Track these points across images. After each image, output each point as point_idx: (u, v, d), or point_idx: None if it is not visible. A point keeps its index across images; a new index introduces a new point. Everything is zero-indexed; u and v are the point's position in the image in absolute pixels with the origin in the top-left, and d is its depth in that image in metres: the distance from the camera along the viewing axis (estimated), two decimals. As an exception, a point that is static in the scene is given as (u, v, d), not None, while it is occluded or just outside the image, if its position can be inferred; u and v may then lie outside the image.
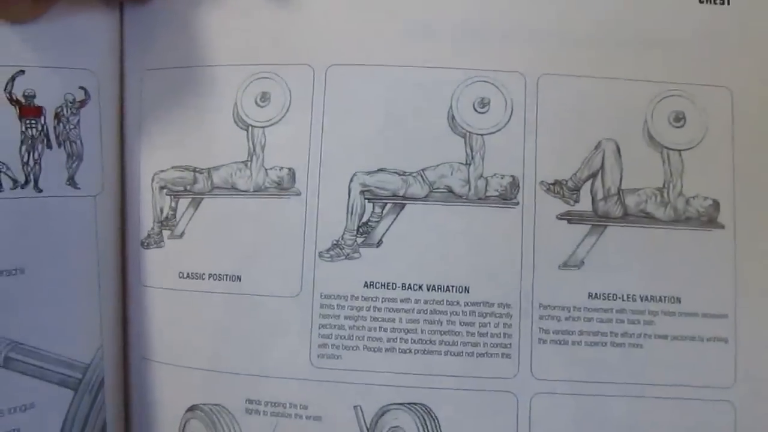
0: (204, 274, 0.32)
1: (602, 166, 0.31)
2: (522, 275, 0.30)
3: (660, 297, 0.30)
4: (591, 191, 0.31)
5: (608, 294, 0.30)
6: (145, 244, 0.33)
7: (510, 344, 0.30)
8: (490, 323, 0.30)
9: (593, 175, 0.31)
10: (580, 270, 0.30)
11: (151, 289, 0.33)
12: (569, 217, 0.31)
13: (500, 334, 0.30)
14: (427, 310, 0.31)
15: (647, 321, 0.30)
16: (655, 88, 0.31)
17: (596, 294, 0.30)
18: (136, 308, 0.33)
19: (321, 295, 0.31)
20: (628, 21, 0.31)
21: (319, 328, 0.31)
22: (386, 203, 0.31)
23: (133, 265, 0.34)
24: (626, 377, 0.30)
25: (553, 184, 0.31)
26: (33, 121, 0.32)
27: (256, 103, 0.32)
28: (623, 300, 0.30)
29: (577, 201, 0.31)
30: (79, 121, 0.33)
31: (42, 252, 0.31)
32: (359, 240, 0.31)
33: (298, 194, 0.32)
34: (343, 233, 0.31)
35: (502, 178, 0.31)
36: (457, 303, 0.31)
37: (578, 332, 0.30)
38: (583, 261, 0.30)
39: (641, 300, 0.30)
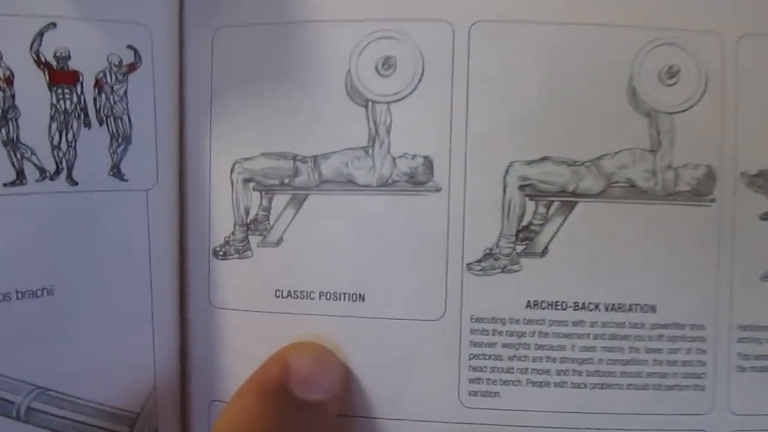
0: (313, 292, 0.26)
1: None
2: (718, 290, 0.25)
3: None
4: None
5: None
6: (221, 253, 0.27)
7: (704, 373, 0.25)
8: (680, 349, 0.25)
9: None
10: (787, 282, 0.25)
11: (227, 313, 0.27)
12: (775, 217, 0.26)
13: (692, 361, 0.25)
14: (605, 334, 0.25)
15: None
16: None
17: (806, 311, 0.25)
18: (203, 337, 0.27)
19: (471, 318, 0.25)
20: None
21: (470, 359, 0.25)
22: (552, 201, 0.25)
23: (198, 282, 0.27)
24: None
25: (756, 175, 0.25)
26: (67, 91, 0.25)
27: (377, 70, 0.26)
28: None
29: (785, 197, 0.25)
30: (126, 91, 0.26)
31: (76, 266, 0.25)
32: (519, 248, 0.25)
33: (438, 190, 0.25)
34: (498, 240, 0.25)
35: (695, 168, 0.25)
36: (642, 325, 0.25)
37: (784, 357, 0.25)
38: (790, 271, 0.25)
39: None
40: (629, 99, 0.25)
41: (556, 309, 0.25)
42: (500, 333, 0.25)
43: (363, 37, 0.26)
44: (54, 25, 0.24)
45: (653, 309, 0.25)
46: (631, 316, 0.25)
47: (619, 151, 0.25)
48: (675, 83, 0.25)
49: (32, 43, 0.24)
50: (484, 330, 0.25)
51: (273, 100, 0.26)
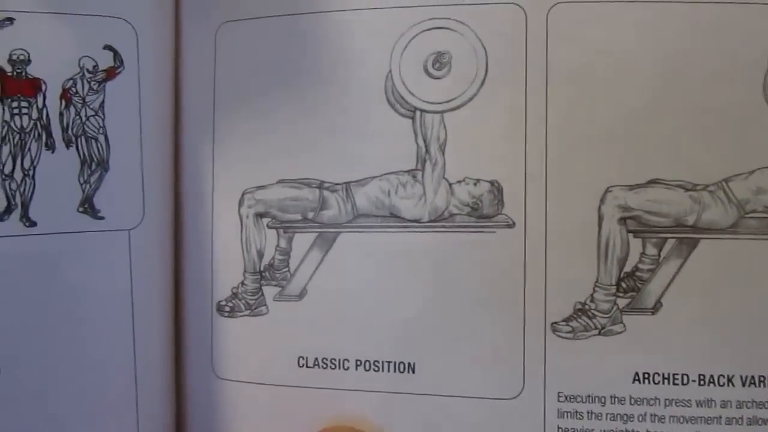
0: (347, 360, 0.21)
1: None
2: None
3: None
4: None
5: None
6: (228, 309, 0.23)
7: None
8: None
9: None
10: None
11: (235, 385, 0.23)
12: None
13: None
14: (742, 418, 0.19)
15: None
16: None
17: None
18: (203, 416, 0.23)
19: (559, 397, 0.20)
20: None
21: None
22: (666, 238, 0.20)
23: (198, 346, 0.23)
24: None
25: None
26: (24, 104, 0.21)
27: (426, 71, 0.21)
28: None
29: None
30: (103, 103, 0.22)
31: (32, 333, 0.21)
32: (621, 303, 0.20)
33: (510, 225, 0.20)
34: (593, 291, 0.20)
35: None
36: (792, 405, 0.19)
37: None
38: None
39: None
40: (766, 96, 0.19)
41: (675, 384, 0.20)
42: (599, 416, 0.20)
43: (407, 29, 0.21)
44: (10, 20, 0.21)
45: (808, 383, 0.19)
46: (777, 392, 0.20)
47: (754, 170, 0.20)
48: (829, 76, 0.19)
49: None
50: (577, 413, 0.20)
51: (292, 113, 0.22)
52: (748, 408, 0.20)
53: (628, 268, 0.20)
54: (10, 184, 0.21)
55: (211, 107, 0.23)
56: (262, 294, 0.22)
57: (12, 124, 0.21)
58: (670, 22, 0.20)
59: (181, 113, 0.23)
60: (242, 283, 0.22)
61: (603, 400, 0.20)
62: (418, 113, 0.21)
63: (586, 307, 0.20)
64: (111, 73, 0.22)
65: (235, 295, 0.22)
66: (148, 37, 0.22)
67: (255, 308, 0.22)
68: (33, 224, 0.21)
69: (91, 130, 0.22)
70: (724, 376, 0.20)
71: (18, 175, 0.21)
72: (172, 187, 0.23)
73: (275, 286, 0.22)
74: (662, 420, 0.20)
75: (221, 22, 0.23)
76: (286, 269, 0.22)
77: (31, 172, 0.21)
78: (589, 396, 0.20)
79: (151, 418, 0.22)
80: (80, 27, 0.21)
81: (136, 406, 0.22)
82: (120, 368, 0.21)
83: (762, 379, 0.20)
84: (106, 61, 0.22)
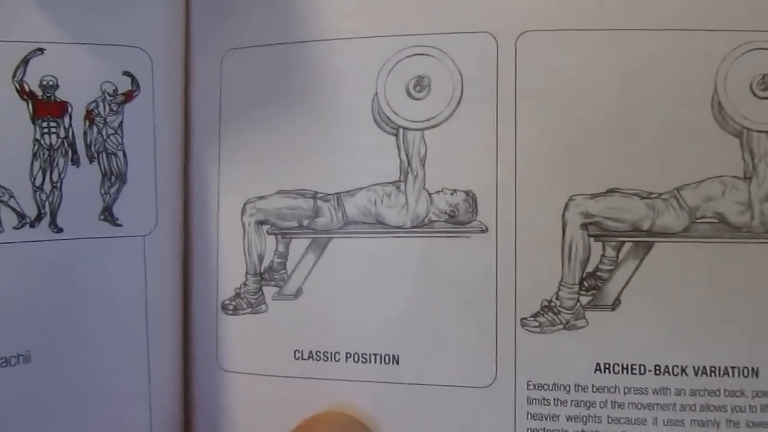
0: (338, 353, 0.23)
1: None
2: (832, 347, 0.20)
3: None
4: None
5: None
6: (231, 307, 0.24)
7: (822, 453, 0.20)
8: (792, 422, 0.20)
9: None
10: None
11: (238, 377, 0.24)
12: None
13: (806, 437, 0.20)
14: (695, 405, 0.21)
15: None
16: None
17: None
18: (209, 404, 0.24)
19: (528, 385, 0.21)
20: None
21: None
22: (623, 242, 0.21)
23: (205, 341, 0.24)
24: None
25: None
26: (53, 124, 0.22)
27: (408, 93, 0.23)
28: None
29: None
30: (122, 123, 0.23)
31: (58, 327, 0.22)
32: (584, 299, 0.21)
33: (484, 230, 0.22)
34: (558, 289, 0.21)
35: (800, 198, 0.20)
36: (742, 393, 0.20)
37: None
38: None
39: None
40: (716, 115, 0.21)
41: (633, 373, 0.21)
42: (564, 403, 0.21)
43: (391, 55, 0.22)
44: (41, 50, 0.22)
45: (755, 373, 0.20)
46: (728, 381, 0.21)
47: (704, 180, 0.21)
48: (770, 96, 0.21)
49: (15, 71, 0.21)
50: (544, 399, 0.21)
51: (289, 130, 0.23)
52: (701, 396, 0.21)
53: (589, 269, 0.21)
54: (40, 195, 0.22)
55: (217, 126, 0.24)
56: (262, 293, 0.23)
57: (42, 141, 0.22)
58: (626, 48, 0.21)
59: (191, 131, 0.24)
60: (244, 284, 0.23)
61: (568, 388, 0.21)
62: (401, 131, 0.22)
63: (552, 304, 0.21)
64: (129, 97, 0.23)
65: (238, 294, 0.23)
66: (161, 63, 0.23)
67: (256, 306, 0.23)
68: (60, 230, 0.22)
69: (112, 147, 0.23)
70: (678, 367, 0.21)
71: (47, 186, 0.22)
72: (182, 198, 0.24)
73: (274, 286, 0.23)
74: (621, 406, 0.21)
75: (226, 50, 0.24)
76: (284, 271, 0.23)
77: (58, 185, 0.22)
78: (555, 384, 0.21)
79: (162, 407, 0.23)
80: (102, 55, 0.22)
81: (149, 395, 0.23)
82: (135, 360, 0.23)
83: (713, 369, 0.21)
84: (124, 85, 0.23)
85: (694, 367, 0.21)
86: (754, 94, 0.21)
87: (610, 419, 0.21)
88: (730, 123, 0.21)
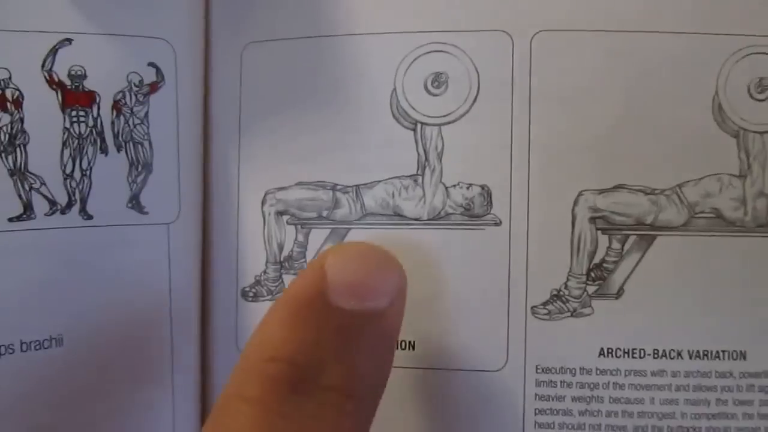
0: None
1: None
2: (818, 333, 0.22)
3: None
4: None
5: None
6: (251, 294, 0.24)
7: (801, 428, 0.22)
8: (774, 401, 0.22)
9: None
10: None
11: None
12: None
13: (788, 414, 0.22)
14: (689, 386, 0.22)
15: None
16: None
17: None
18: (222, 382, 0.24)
19: (536, 368, 0.23)
20: None
21: (536, 414, 0.22)
22: (628, 235, 0.22)
23: (225, 326, 0.25)
24: None
25: None
26: (82, 113, 0.23)
27: (426, 89, 0.23)
28: None
29: None
30: (147, 113, 0.24)
31: (89, 311, 0.23)
32: (590, 289, 0.22)
33: (497, 223, 0.23)
34: (567, 279, 0.22)
35: (791, 195, 0.22)
36: (730, 374, 0.22)
37: None
38: None
39: None
40: (715, 115, 0.22)
41: (633, 357, 0.22)
42: (570, 385, 0.22)
43: (410, 51, 0.23)
44: (69, 41, 0.22)
45: (743, 356, 0.22)
46: (718, 364, 0.22)
47: (703, 177, 0.22)
48: (766, 98, 0.22)
49: (44, 61, 0.22)
50: (551, 381, 0.22)
51: (309, 124, 0.23)
52: (694, 377, 0.22)
53: (596, 260, 0.23)
54: (70, 182, 0.22)
55: (237, 117, 0.24)
56: (282, 281, 0.24)
57: (72, 130, 0.22)
58: (637, 51, 0.22)
59: (211, 122, 0.25)
60: (264, 272, 0.24)
61: (573, 371, 0.22)
62: (419, 126, 0.23)
63: (561, 293, 0.23)
64: (154, 87, 0.23)
65: (258, 282, 0.24)
66: (184, 55, 0.24)
67: (275, 294, 0.24)
68: (90, 217, 0.23)
69: (138, 136, 0.23)
70: (674, 350, 0.22)
71: (77, 174, 0.22)
72: (203, 188, 0.25)
73: (293, 274, 0.24)
74: (622, 387, 0.22)
75: (247, 43, 0.24)
76: (304, 260, 0.24)
77: (88, 173, 0.23)
78: (561, 368, 0.22)
79: (184, 391, 0.24)
80: (128, 46, 0.23)
81: (172, 376, 0.24)
82: (158, 344, 0.23)
83: (706, 352, 0.22)
84: (149, 76, 0.23)
85: (689, 351, 0.22)
86: (752, 97, 0.22)
87: (611, 399, 0.22)
88: (728, 123, 0.22)
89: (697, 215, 0.22)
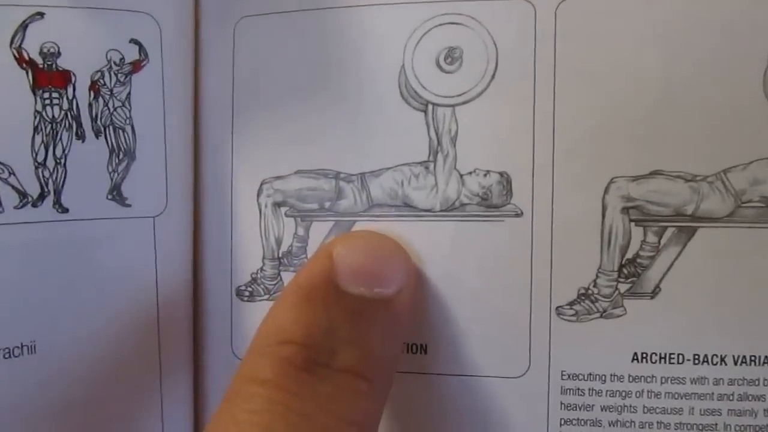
0: None
1: None
2: None
3: None
4: None
5: None
6: (247, 293, 0.23)
7: None
8: (830, 411, 0.20)
9: None
10: None
11: None
12: None
13: None
14: (733, 395, 0.20)
15: None
16: None
17: None
18: (221, 394, 0.22)
19: (562, 375, 0.21)
20: None
21: (561, 425, 0.21)
22: (666, 227, 0.20)
23: (218, 328, 0.23)
24: None
25: None
26: (55, 95, 0.21)
27: (438, 65, 0.21)
28: None
29: None
30: (129, 95, 0.22)
31: (65, 314, 0.21)
32: (622, 287, 0.20)
33: (519, 214, 0.21)
34: (596, 276, 0.20)
35: None
36: (780, 382, 0.20)
37: None
38: None
39: None
40: (766, 92, 0.20)
41: (671, 363, 0.20)
42: (599, 393, 0.20)
43: (420, 24, 0.21)
44: (40, 15, 0.20)
45: (795, 362, 0.20)
46: (767, 371, 0.20)
47: (752, 162, 0.20)
48: (826, 71, 0.20)
49: (13, 37, 0.20)
50: (578, 389, 0.20)
51: (308, 106, 0.22)
52: (740, 385, 0.20)
53: (629, 255, 0.20)
54: (43, 171, 0.21)
55: (230, 99, 0.22)
56: (281, 279, 0.22)
57: (44, 114, 0.21)
58: (671, 17, 0.20)
59: (201, 105, 0.23)
60: (261, 269, 0.22)
61: (603, 378, 0.21)
62: (430, 107, 0.21)
63: (589, 291, 0.20)
64: (137, 66, 0.22)
65: (254, 280, 0.22)
66: (170, 31, 0.22)
67: (274, 293, 0.22)
68: (65, 210, 0.21)
69: (119, 120, 0.22)
70: (717, 356, 0.20)
71: (50, 163, 0.21)
72: (194, 177, 0.23)
73: (293, 272, 0.22)
74: (658, 396, 0.20)
75: (240, 17, 0.22)
76: (304, 256, 0.22)
77: (62, 161, 0.21)
78: (590, 374, 0.21)
79: (173, 396, 0.23)
80: (107, 21, 0.21)
81: (160, 380, 0.22)
82: (144, 347, 0.22)
83: (753, 358, 0.20)
84: (131, 54, 0.22)
85: (734, 356, 0.20)
86: (810, 70, 0.20)
87: (645, 409, 0.20)
88: (780, 102, 0.20)
89: (745, 205, 0.20)
